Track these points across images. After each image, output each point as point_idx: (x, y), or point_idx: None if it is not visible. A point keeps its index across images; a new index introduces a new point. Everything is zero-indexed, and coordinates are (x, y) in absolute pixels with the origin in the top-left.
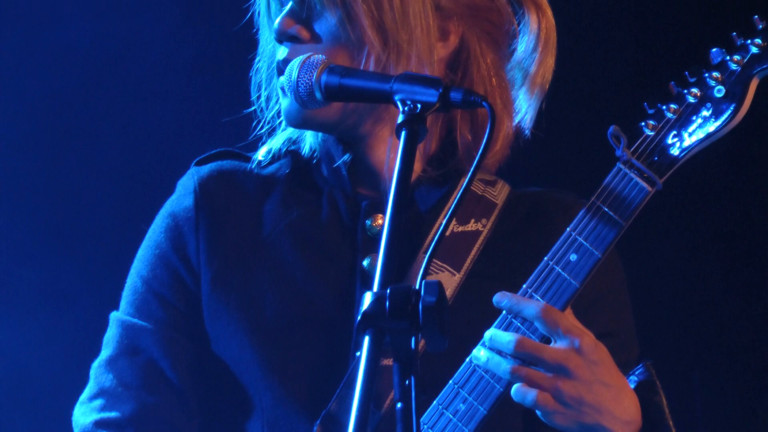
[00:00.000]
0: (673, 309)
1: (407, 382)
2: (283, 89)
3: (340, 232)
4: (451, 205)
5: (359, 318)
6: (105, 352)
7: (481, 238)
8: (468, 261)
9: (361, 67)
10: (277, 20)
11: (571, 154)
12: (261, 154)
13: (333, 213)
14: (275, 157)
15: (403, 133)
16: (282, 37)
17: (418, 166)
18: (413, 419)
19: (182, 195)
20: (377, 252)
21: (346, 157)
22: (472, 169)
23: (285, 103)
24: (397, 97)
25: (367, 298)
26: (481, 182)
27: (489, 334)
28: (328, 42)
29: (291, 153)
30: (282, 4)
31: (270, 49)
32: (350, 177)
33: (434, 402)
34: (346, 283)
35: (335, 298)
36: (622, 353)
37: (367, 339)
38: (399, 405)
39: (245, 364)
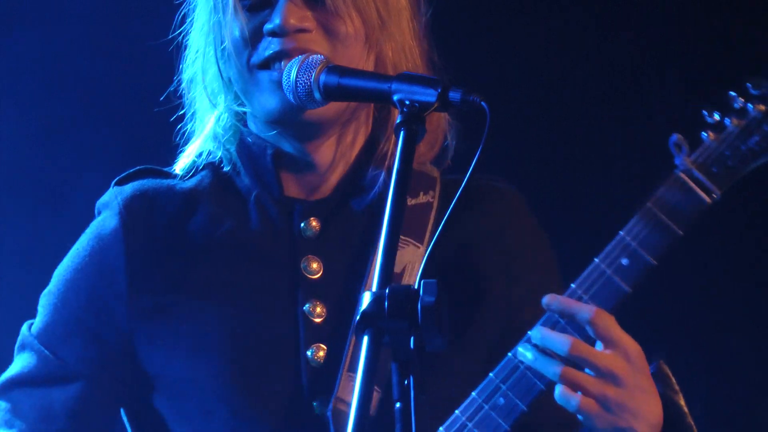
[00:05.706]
0: (672, 309)
1: (406, 382)
2: (275, 83)
3: (274, 237)
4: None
5: (358, 318)
6: (15, 369)
7: (434, 209)
8: (428, 232)
9: (362, 65)
10: (282, 11)
11: (617, 160)
12: (179, 168)
13: (263, 218)
14: (195, 170)
15: (402, 132)
16: (288, 29)
17: (342, 167)
18: (412, 419)
19: (107, 217)
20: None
21: (302, 156)
22: (470, 168)
23: (275, 99)
24: (395, 97)
25: (366, 298)
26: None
27: (538, 333)
28: (333, 37)
29: (209, 164)
30: None
31: (234, 42)
32: (278, 180)
33: (473, 394)
34: (288, 287)
35: (279, 303)
36: None
37: (366, 339)
38: (398, 405)
39: (197, 382)
